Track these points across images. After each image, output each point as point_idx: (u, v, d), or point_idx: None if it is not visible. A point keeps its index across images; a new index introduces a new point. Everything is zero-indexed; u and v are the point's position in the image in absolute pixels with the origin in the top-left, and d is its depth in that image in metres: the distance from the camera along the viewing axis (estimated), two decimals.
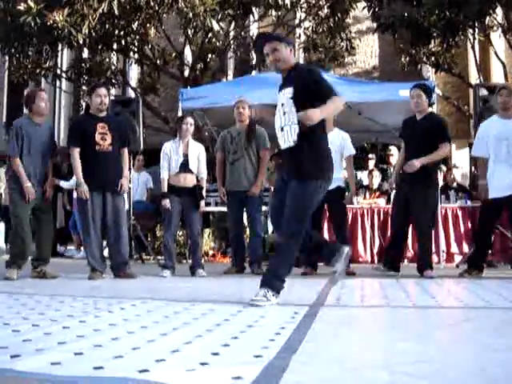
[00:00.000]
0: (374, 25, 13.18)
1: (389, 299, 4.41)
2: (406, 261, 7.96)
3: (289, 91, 4.00)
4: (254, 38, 4.57)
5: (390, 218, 7.27)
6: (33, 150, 6.14)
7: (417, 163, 6.16)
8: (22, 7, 11.56)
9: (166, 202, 6.65)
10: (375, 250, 8.69)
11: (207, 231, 9.67)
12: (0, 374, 2.09)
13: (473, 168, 14.31)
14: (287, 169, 4.08)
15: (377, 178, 9.70)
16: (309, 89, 3.92)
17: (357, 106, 9.10)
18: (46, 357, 2.30)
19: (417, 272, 6.38)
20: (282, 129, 4.02)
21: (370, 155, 10.82)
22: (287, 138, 3.99)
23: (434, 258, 8.13)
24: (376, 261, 8.53)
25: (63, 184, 9.64)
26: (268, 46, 4.05)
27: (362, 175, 10.25)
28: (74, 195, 9.74)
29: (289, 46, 4.10)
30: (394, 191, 6.92)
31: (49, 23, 11.29)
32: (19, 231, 6.05)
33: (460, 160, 14.29)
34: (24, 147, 6.09)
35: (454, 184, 10.06)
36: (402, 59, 14.10)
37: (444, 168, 10.56)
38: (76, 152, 6.16)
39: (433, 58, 13.30)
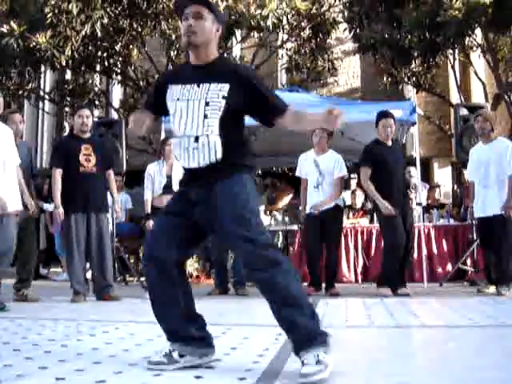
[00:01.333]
0: (356, 46, 13.33)
1: (372, 319, 4.42)
2: None
3: (223, 88, 2.85)
4: None
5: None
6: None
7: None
8: (4, 29, 11.56)
9: (150, 224, 6.62)
10: (359, 270, 8.69)
11: None
12: None
13: (455, 186, 14.44)
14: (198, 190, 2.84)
15: (360, 197, 9.75)
16: (250, 93, 2.89)
17: (339, 127, 9.15)
18: (28, 382, 2.28)
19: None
20: (197, 139, 2.81)
21: (352, 175, 10.87)
22: (205, 153, 2.81)
23: (418, 277, 8.19)
24: (360, 280, 8.54)
25: (46, 207, 9.58)
26: (192, 7, 2.87)
27: (345, 195, 10.28)
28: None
29: (218, 23, 2.94)
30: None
31: (32, 45, 11.31)
32: None
33: (442, 179, 14.39)
34: None
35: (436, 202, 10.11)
36: (384, 79, 14.24)
37: (427, 186, 10.63)
38: (58, 173, 6.11)
39: (414, 78, 13.44)
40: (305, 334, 2.54)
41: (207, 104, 2.84)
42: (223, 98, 2.83)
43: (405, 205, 6.59)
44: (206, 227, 2.84)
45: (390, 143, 6.67)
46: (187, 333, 2.71)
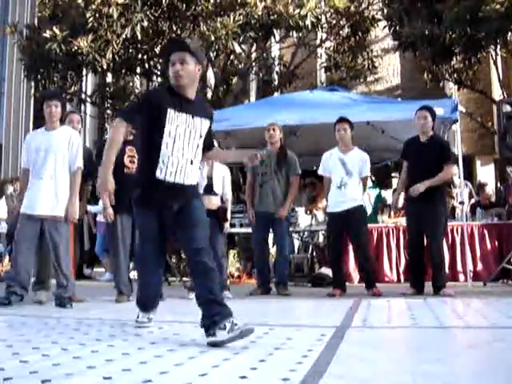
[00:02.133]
0: (395, 43, 13.22)
1: (416, 319, 4.38)
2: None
3: (207, 124, 3.67)
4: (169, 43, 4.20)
5: (405, 240, 7.22)
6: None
7: (421, 187, 6.33)
8: (47, 34, 11.81)
9: None
10: (401, 269, 8.62)
11: (232, 252, 9.68)
12: None
13: (498, 184, 14.22)
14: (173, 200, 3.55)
15: (401, 196, 9.62)
16: (210, 129, 3.76)
17: (380, 125, 9.10)
18: (76, 381, 2.33)
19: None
20: (192, 162, 3.59)
21: (393, 174, 10.78)
22: (196, 174, 3.67)
23: (461, 276, 8.09)
24: (402, 280, 8.46)
25: (90, 208, 9.73)
26: (177, 54, 3.49)
27: (386, 194, 10.21)
28: (98, 218, 9.87)
29: (199, 64, 3.56)
30: (406, 213, 6.79)
31: (73, 49, 11.51)
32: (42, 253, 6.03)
33: (484, 176, 14.18)
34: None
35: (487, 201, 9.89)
36: (424, 76, 14.10)
37: (469, 184, 10.45)
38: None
39: (455, 75, 13.29)
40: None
41: (201, 136, 3.61)
42: (206, 131, 3.65)
43: (424, 205, 6.34)
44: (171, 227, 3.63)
45: (424, 138, 6.56)
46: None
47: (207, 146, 3.77)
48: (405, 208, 6.86)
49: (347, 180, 6.63)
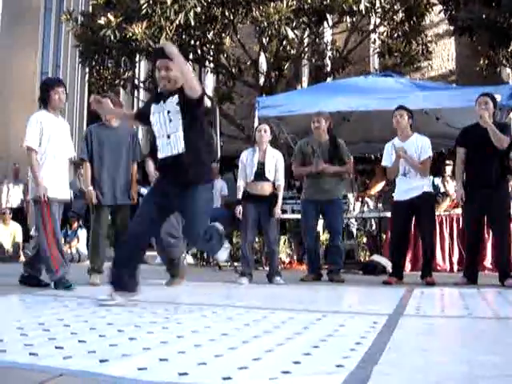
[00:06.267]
0: (451, 28, 12.96)
1: (469, 309, 4.32)
2: (486, 271, 7.75)
3: (174, 98, 4.20)
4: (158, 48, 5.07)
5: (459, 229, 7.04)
6: (105, 154, 6.14)
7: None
8: (102, 21, 11.97)
9: (239, 209, 6.69)
10: (454, 259, 8.48)
11: (283, 238, 9.68)
12: (92, 377, 2.18)
13: None
14: (174, 175, 4.27)
15: (451, 184, 9.45)
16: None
17: (434, 112, 8.96)
18: (133, 362, 2.37)
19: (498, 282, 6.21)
20: (169, 136, 4.22)
21: (448, 161, 10.59)
22: (175, 145, 4.20)
23: None
24: (456, 269, 8.33)
25: (142, 191, 9.86)
26: (160, 62, 4.20)
27: (439, 181, 10.05)
28: None
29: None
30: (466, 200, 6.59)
31: (127, 36, 11.65)
32: (94, 236, 6.16)
33: None
34: (94, 151, 6.12)
35: None
36: (481, 62, 13.79)
37: None
38: (151, 164, 6.33)
39: None
40: None
41: (168, 112, 4.21)
42: (176, 104, 4.16)
43: (490, 195, 6.16)
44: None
45: (485, 124, 6.25)
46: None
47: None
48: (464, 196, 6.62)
49: (409, 168, 6.52)
